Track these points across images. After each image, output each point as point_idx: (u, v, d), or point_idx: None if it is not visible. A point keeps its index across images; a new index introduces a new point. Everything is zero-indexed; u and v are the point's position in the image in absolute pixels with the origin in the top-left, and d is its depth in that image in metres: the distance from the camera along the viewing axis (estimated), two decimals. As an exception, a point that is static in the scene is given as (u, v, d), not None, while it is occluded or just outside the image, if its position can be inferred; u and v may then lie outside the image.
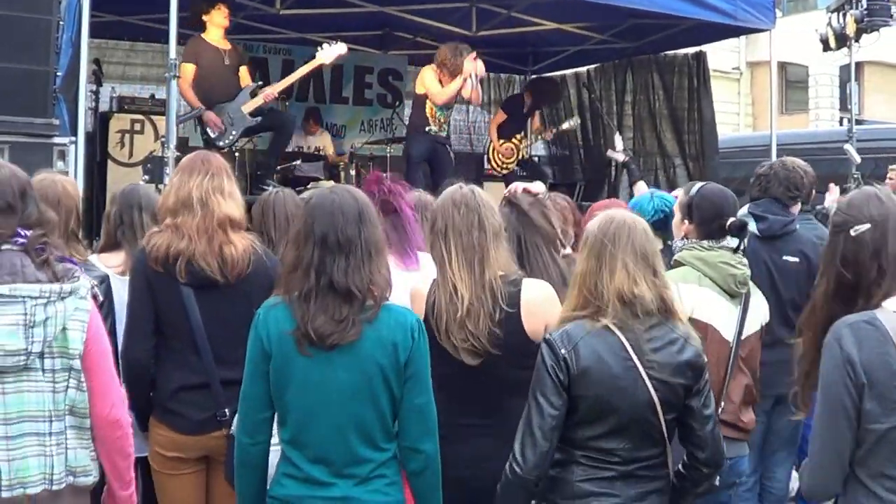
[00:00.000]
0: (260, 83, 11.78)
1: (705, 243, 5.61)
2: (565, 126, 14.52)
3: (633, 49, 15.26)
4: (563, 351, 4.13)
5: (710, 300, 5.47)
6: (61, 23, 8.19)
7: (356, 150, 15.06)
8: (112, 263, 5.74)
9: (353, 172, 13.80)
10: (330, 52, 11.59)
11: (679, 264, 5.59)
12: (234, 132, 11.21)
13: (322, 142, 14.81)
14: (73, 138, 8.18)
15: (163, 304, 5.17)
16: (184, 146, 10.97)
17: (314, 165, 14.02)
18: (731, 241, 5.61)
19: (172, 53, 8.65)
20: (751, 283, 5.69)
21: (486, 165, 14.18)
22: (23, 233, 4.00)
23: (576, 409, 4.17)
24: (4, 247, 3.94)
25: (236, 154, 12.44)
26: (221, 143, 10.94)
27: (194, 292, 5.11)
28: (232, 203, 5.25)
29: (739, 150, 15.77)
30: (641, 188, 8.56)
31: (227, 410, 5.10)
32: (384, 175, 5.58)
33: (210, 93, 11.16)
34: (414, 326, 4.19)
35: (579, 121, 14.68)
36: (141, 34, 14.86)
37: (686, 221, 5.79)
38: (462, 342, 4.53)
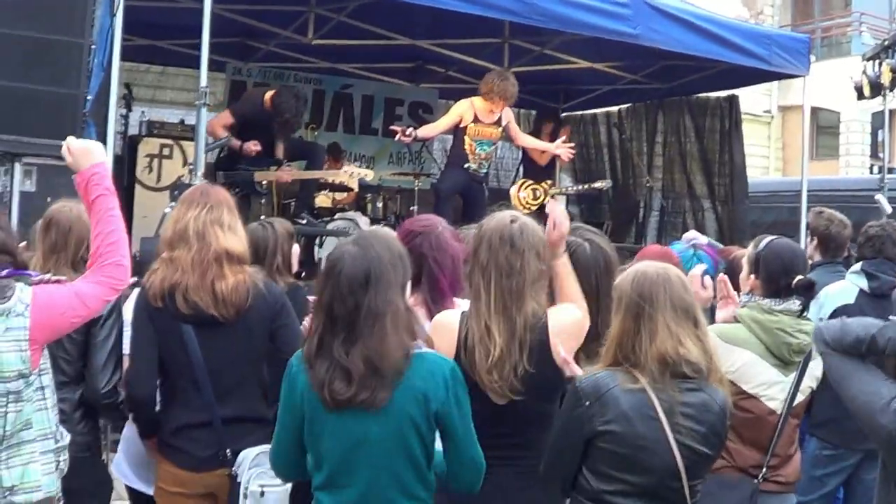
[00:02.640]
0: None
1: (766, 304, 5.36)
2: (598, 185, 14.25)
3: (665, 90, 15.24)
4: (587, 402, 4.08)
5: (756, 367, 5.27)
6: (93, 46, 8.15)
7: (384, 181, 15.04)
8: None
9: (380, 204, 13.77)
10: (358, 173, 12.24)
11: (735, 321, 5.42)
12: (237, 189, 11.23)
13: (345, 177, 14.62)
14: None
15: (164, 342, 5.10)
16: (212, 173, 11.05)
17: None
18: (797, 302, 5.39)
19: (203, 81, 8.57)
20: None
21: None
22: None
23: (596, 462, 4.12)
24: None
25: (264, 184, 12.47)
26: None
27: (195, 329, 5.02)
28: (232, 236, 5.15)
29: (769, 194, 15.63)
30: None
31: (228, 451, 5.04)
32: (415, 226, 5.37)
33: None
34: (447, 377, 4.08)
35: (611, 183, 14.58)
36: (172, 59, 14.85)
37: (752, 276, 5.53)
38: (490, 383, 4.42)
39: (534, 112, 16.97)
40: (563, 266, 4.79)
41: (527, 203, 13.46)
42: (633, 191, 15.88)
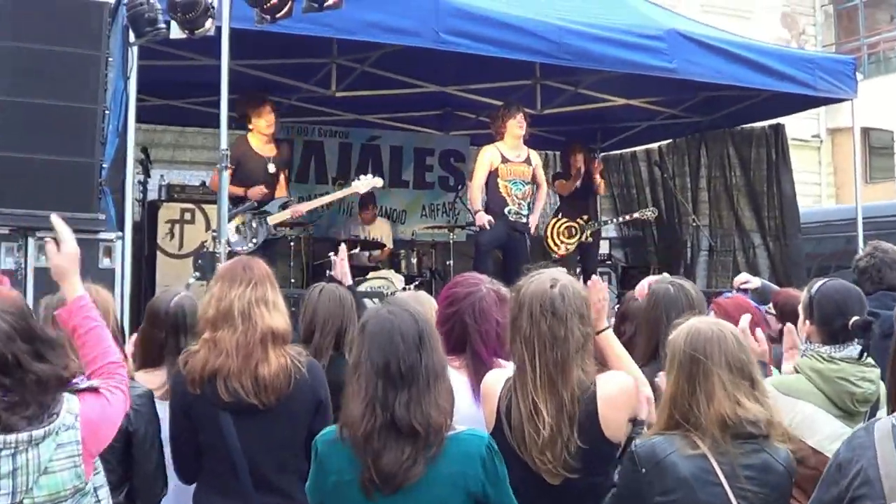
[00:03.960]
0: (291, 198, 12.00)
1: (825, 351, 5.23)
2: (639, 215, 14.33)
3: (707, 123, 15.23)
4: (643, 469, 4.02)
5: (818, 419, 5.12)
6: (107, 112, 8.18)
7: (417, 236, 15.01)
8: (153, 384, 5.45)
9: (414, 260, 13.73)
10: (366, 182, 11.98)
11: (795, 371, 5.31)
12: (255, 240, 11.30)
13: (380, 231, 14.74)
14: (120, 233, 8.16)
15: (201, 428, 5.06)
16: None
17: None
18: (857, 346, 5.25)
19: (224, 143, 8.52)
20: (882, 392, 5.20)
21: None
22: None
23: None
24: None
25: (292, 243, 12.45)
26: (239, 249, 10.82)
27: (233, 416, 4.97)
28: (277, 315, 5.10)
29: (823, 224, 15.51)
30: None
31: None
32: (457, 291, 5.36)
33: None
34: (484, 455, 4.08)
35: (656, 212, 14.44)
36: (191, 119, 14.91)
37: (807, 322, 5.41)
38: (543, 464, 4.35)
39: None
40: (608, 338, 4.79)
41: (562, 242, 13.37)
42: (679, 231, 15.76)
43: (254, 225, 11.36)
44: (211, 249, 8.88)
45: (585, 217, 13.69)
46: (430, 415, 4.01)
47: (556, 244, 13.43)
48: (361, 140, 16.24)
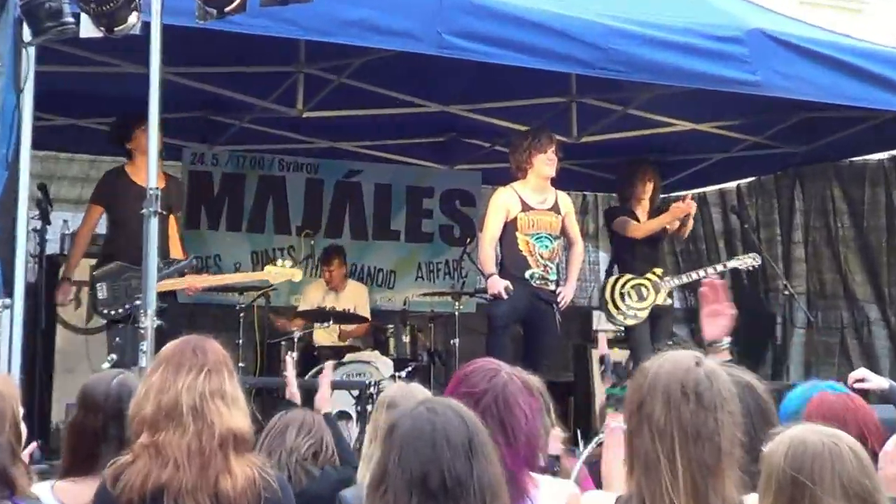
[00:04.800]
0: (190, 262, 11.50)
1: None
2: (736, 263, 13.62)
3: (803, 155, 15.19)
4: None
5: None
6: (-10, 136, 8.13)
7: (411, 305, 14.92)
8: (80, 499, 5.34)
9: (406, 338, 13.62)
10: (282, 272, 11.51)
11: None
12: (126, 305, 10.65)
13: (353, 299, 14.61)
14: (8, 300, 8.05)
15: None
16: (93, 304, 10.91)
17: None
18: None
19: (153, 179, 8.20)
20: None
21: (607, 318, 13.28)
22: None
23: None
24: None
25: (241, 314, 12.36)
26: (105, 312, 10.72)
27: None
28: (238, 413, 5.04)
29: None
30: None
31: None
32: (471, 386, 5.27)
33: (125, 246, 10.83)
34: None
35: (759, 260, 13.66)
36: (105, 145, 14.66)
37: None
38: None
39: (614, 195, 16.33)
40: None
41: (632, 310, 12.89)
42: (765, 301, 15.67)
43: (133, 284, 10.66)
44: (133, 323, 8.67)
45: (659, 271, 13.25)
46: None
47: (622, 314, 12.90)
48: (336, 176, 16.29)
